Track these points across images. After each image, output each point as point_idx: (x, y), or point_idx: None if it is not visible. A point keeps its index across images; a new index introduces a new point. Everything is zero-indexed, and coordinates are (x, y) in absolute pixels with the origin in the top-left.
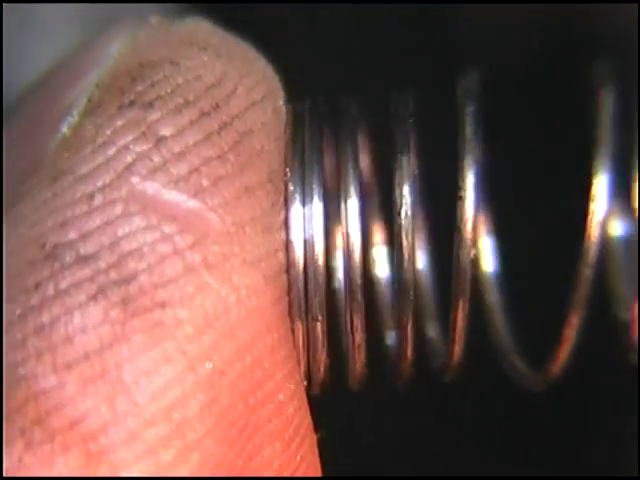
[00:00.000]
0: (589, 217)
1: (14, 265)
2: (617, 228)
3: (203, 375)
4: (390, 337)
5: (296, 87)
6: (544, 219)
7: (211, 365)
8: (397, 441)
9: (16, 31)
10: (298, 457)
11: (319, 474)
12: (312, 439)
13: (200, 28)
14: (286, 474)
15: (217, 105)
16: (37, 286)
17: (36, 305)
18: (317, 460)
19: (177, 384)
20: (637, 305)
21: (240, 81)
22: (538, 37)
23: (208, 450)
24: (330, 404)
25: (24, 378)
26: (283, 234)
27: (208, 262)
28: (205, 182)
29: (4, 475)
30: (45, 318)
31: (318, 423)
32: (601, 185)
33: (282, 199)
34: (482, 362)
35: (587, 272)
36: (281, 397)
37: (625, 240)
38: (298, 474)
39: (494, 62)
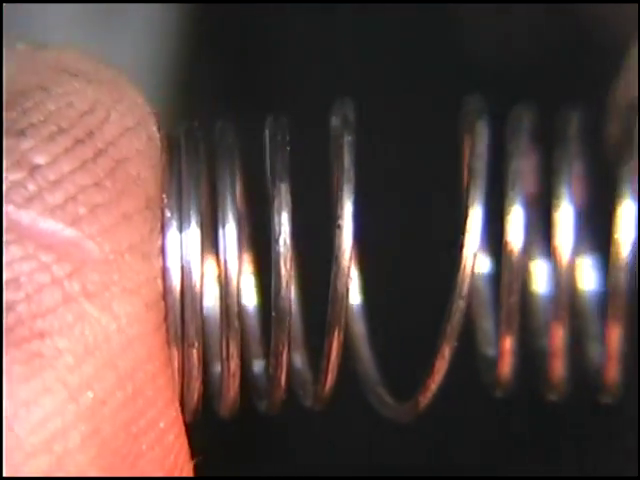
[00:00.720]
0: (463, 249)
1: None
2: (483, 264)
3: (84, 405)
4: (258, 365)
5: (295, 86)
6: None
7: (92, 395)
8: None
9: (16, 31)
10: None
11: None
12: (190, 466)
13: (68, 54)
14: None
15: (91, 132)
16: None
17: None
18: None
19: (57, 415)
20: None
21: (113, 107)
22: (538, 37)
23: None
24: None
25: None
26: (161, 261)
27: (87, 291)
28: (82, 210)
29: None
30: None
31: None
32: (475, 216)
33: (159, 225)
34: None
35: (460, 304)
36: (162, 425)
37: (489, 276)
38: None
39: (494, 62)
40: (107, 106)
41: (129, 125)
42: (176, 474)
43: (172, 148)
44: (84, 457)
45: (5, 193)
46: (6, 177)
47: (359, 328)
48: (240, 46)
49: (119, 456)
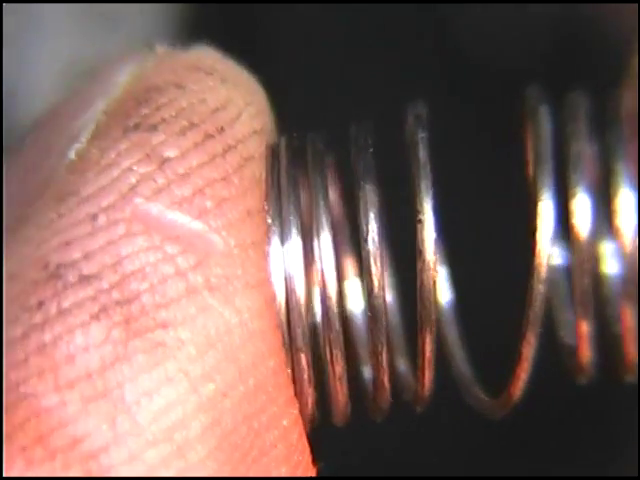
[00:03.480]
0: (537, 233)
1: (17, 284)
2: (556, 255)
3: (205, 396)
4: (367, 371)
5: (294, 89)
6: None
7: (213, 386)
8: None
9: (16, 31)
10: None
11: None
12: (313, 470)
13: (206, 55)
14: None
15: (222, 128)
16: (40, 305)
17: (39, 324)
18: None
19: (179, 405)
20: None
21: (245, 108)
22: (538, 38)
23: (209, 471)
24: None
25: (26, 396)
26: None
27: (210, 283)
28: (209, 203)
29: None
30: (47, 337)
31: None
32: (546, 201)
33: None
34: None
35: (540, 288)
36: (285, 423)
37: (563, 265)
38: None
39: (493, 62)
40: (239, 106)
41: (257, 128)
42: (299, 473)
43: (271, 157)
44: (204, 448)
45: (135, 185)
46: (136, 170)
47: (450, 326)
48: (240, 46)
49: (240, 450)
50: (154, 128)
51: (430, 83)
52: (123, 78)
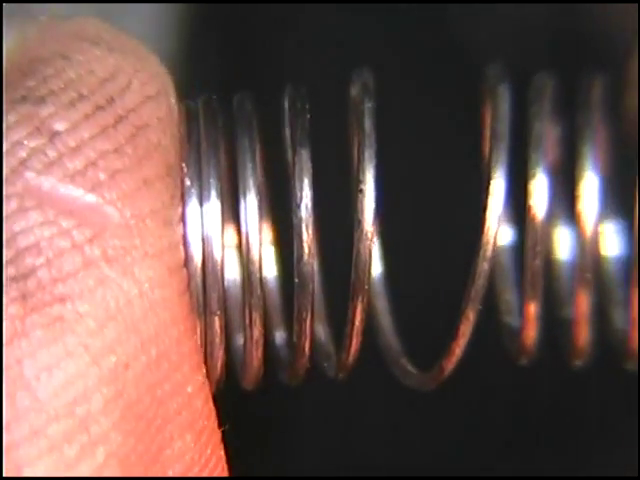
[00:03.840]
0: (486, 212)
1: None
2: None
3: (106, 369)
4: (279, 336)
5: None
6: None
7: (115, 358)
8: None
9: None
10: (208, 450)
11: (226, 468)
12: (218, 433)
13: (91, 24)
14: (197, 467)
15: (112, 99)
16: None
17: None
18: (223, 454)
19: (79, 379)
20: (529, 310)
21: (134, 75)
22: (538, 37)
23: (114, 444)
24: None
25: None
26: (182, 229)
27: (108, 255)
28: (102, 176)
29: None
30: None
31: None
32: (498, 180)
33: (180, 194)
34: None
35: (484, 266)
36: (189, 389)
37: (510, 247)
38: (208, 467)
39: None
40: (128, 74)
41: (150, 93)
42: (204, 440)
43: (190, 119)
44: (107, 420)
45: (25, 160)
46: (26, 144)
47: (380, 298)
48: (241, 47)
49: (144, 420)
50: (42, 100)
51: (429, 83)
52: (5, 47)
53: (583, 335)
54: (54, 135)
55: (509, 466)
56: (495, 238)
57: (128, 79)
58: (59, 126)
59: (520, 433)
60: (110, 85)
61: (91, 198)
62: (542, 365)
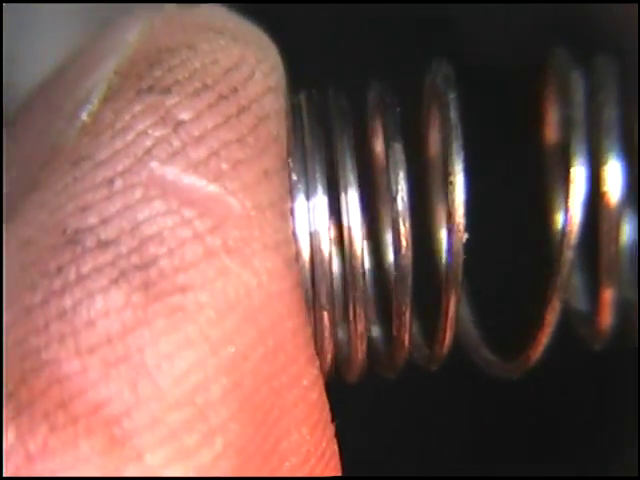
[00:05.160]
0: (569, 199)
1: (34, 250)
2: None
3: (225, 359)
4: (375, 330)
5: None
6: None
7: (233, 349)
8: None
9: (16, 31)
10: (324, 443)
11: (339, 463)
12: (332, 427)
13: (216, 13)
14: (313, 459)
15: (235, 89)
16: (59, 271)
17: (58, 289)
18: (337, 448)
19: (199, 368)
20: (605, 296)
21: (257, 66)
22: (538, 37)
23: (232, 434)
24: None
25: (47, 363)
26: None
27: (228, 246)
28: (224, 166)
29: (5, 475)
30: (67, 302)
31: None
32: (580, 167)
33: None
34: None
35: (569, 254)
36: (305, 382)
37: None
38: (324, 460)
39: (493, 62)
40: (252, 64)
41: (271, 85)
42: (319, 433)
43: (295, 113)
44: (226, 410)
45: (150, 149)
46: (151, 133)
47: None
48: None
49: (262, 411)
50: (168, 90)
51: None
52: (133, 37)
53: None
54: (178, 124)
55: (509, 466)
56: (579, 227)
57: (251, 69)
58: (184, 116)
59: (520, 433)
60: (234, 75)
61: (213, 188)
62: (541, 365)
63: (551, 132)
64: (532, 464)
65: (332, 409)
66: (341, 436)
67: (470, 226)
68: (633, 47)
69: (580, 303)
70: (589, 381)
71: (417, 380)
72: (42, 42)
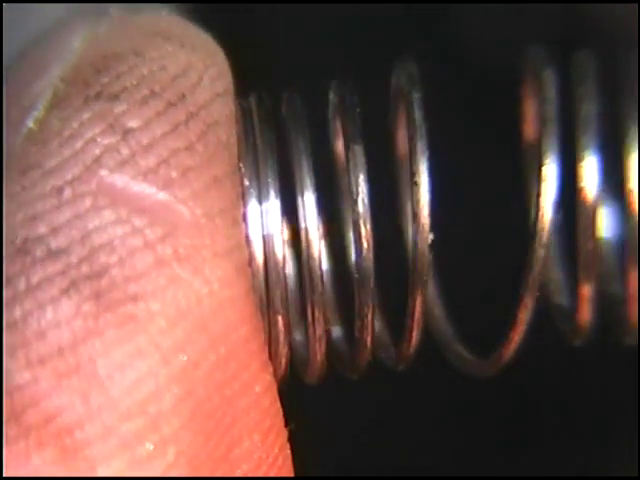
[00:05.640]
0: (541, 198)
1: None
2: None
3: (177, 368)
4: (336, 331)
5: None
6: (490, 202)
7: (185, 357)
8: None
9: (16, 31)
10: (276, 449)
11: (292, 468)
12: (285, 432)
13: (162, 19)
14: (265, 466)
15: (183, 95)
16: (8, 281)
17: (8, 300)
18: (290, 453)
19: (151, 377)
20: (584, 291)
21: (205, 72)
22: (538, 37)
23: (184, 443)
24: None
25: None
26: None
27: (179, 254)
28: (174, 173)
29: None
30: (17, 313)
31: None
32: (551, 165)
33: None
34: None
35: (541, 252)
36: (257, 389)
37: (558, 226)
38: (276, 466)
39: (493, 61)
40: (199, 70)
41: (219, 91)
42: (272, 439)
43: (246, 117)
44: (178, 419)
45: (99, 157)
46: (100, 141)
47: (432, 287)
48: (240, 47)
49: (214, 419)
50: (116, 97)
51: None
52: (78, 42)
53: (634, 312)
54: (127, 132)
55: (509, 466)
56: (550, 224)
57: (199, 75)
58: (132, 123)
59: (519, 433)
60: (182, 82)
61: (163, 196)
62: (540, 365)
63: (530, 130)
64: (532, 464)
65: (301, 411)
66: (308, 436)
67: (452, 224)
68: (633, 47)
69: (562, 299)
70: (589, 381)
71: (417, 380)
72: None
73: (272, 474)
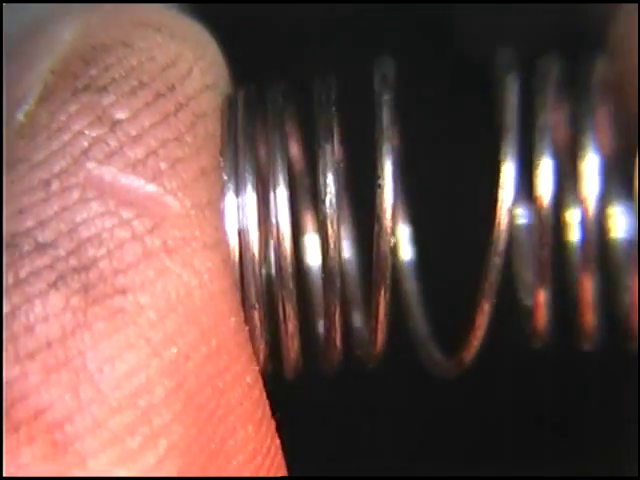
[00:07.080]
0: (498, 205)
1: None
2: (521, 215)
3: (167, 360)
4: (320, 325)
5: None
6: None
7: (176, 350)
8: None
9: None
10: (268, 439)
11: (283, 458)
12: (273, 422)
13: (153, 9)
14: (259, 457)
15: (173, 86)
16: None
17: None
18: (279, 443)
19: (141, 370)
20: (539, 296)
21: (195, 63)
22: (537, 37)
23: (176, 435)
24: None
25: None
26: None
27: (168, 246)
28: (163, 165)
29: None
30: (6, 307)
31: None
32: (508, 173)
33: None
34: None
35: (496, 260)
36: (248, 379)
37: (528, 227)
38: (269, 456)
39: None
40: (189, 61)
41: (209, 82)
42: (264, 429)
43: (228, 110)
44: (168, 412)
45: (87, 149)
46: (88, 134)
47: (409, 285)
48: (241, 46)
49: (206, 411)
50: (104, 89)
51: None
52: (68, 35)
53: (589, 319)
54: (115, 124)
55: (508, 466)
56: (507, 232)
57: (189, 66)
58: (120, 115)
59: (519, 433)
60: (171, 72)
61: (152, 188)
62: (539, 365)
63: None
64: (532, 464)
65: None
66: (293, 433)
67: (432, 225)
68: (633, 47)
69: (530, 300)
70: (589, 381)
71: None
72: None
73: (266, 464)
